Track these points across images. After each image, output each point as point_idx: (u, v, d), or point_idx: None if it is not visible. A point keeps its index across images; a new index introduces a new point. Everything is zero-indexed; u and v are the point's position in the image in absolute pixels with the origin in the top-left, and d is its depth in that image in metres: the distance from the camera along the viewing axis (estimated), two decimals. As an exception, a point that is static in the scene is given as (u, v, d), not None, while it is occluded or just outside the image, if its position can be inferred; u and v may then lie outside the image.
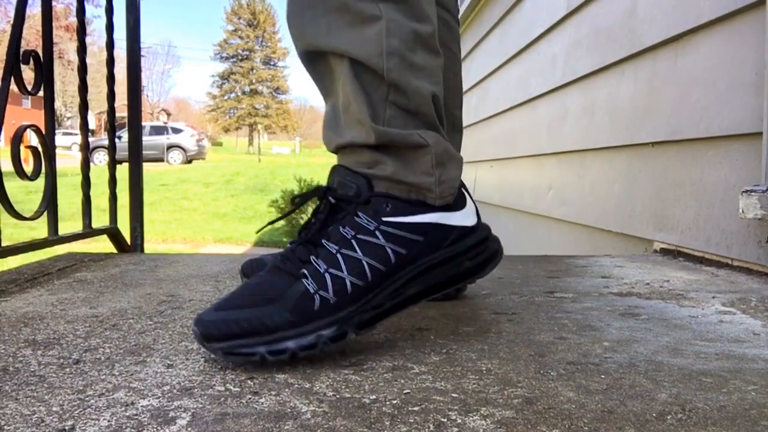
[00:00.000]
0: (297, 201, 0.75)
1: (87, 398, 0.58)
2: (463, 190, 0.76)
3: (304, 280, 0.67)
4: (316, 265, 0.68)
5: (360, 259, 0.68)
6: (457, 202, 0.74)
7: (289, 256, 0.70)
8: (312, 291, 0.66)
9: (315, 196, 0.73)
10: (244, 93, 41.40)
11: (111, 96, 1.67)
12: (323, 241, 0.70)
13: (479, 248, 0.75)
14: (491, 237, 0.77)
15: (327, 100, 0.78)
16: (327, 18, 0.70)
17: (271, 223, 0.83)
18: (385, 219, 0.70)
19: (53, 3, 1.41)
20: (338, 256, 0.68)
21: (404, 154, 0.71)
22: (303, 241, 0.71)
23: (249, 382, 0.62)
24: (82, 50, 1.56)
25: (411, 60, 0.70)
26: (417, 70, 0.70)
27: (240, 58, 41.87)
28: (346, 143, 0.74)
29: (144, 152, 1.80)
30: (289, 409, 0.56)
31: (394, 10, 0.69)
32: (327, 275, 0.67)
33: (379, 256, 0.68)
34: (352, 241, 0.69)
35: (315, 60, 0.75)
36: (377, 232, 0.69)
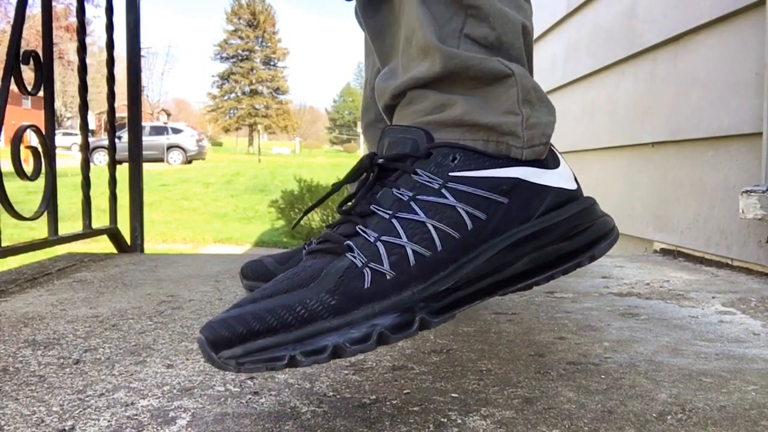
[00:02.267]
0: (336, 184, 0.58)
1: (87, 398, 0.58)
2: (555, 150, 0.60)
3: (348, 254, 0.51)
4: (365, 234, 0.52)
5: (424, 222, 0.52)
6: (549, 160, 0.58)
7: (328, 235, 0.54)
8: (360, 265, 0.50)
9: (361, 169, 0.57)
10: (244, 93, 41.40)
11: (111, 96, 1.67)
12: (373, 206, 0.53)
13: (586, 218, 0.57)
14: (598, 207, 0.60)
15: (385, 62, 0.64)
16: None
17: (304, 214, 0.69)
18: (453, 173, 0.53)
19: (53, 3, 1.41)
20: (393, 221, 0.52)
21: (480, 87, 0.56)
22: (343, 213, 0.55)
23: (249, 382, 0.62)
24: (82, 50, 1.56)
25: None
26: (508, 1, 0.57)
27: (240, 58, 41.87)
28: (403, 84, 0.58)
29: (144, 152, 1.80)
30: (289, 409, 0.56)
31: None
32: (380, 244, 0.51)
33: (451, 220, 0.52)
34: (411, 203, 0.52)
35: (377, 4, 0.62)
36: (444, 191, 0.53)
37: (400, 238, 0.51)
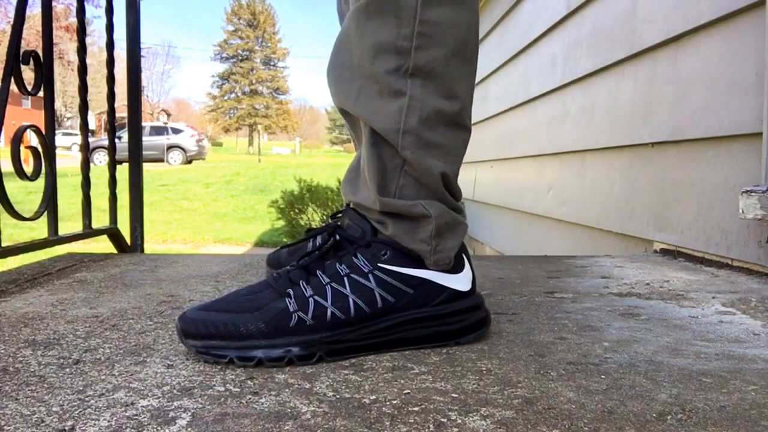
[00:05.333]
0: (310, 233, 0.85)
1: (87, 398, 0.58)
2: (464, 256, 0.77)
3: (287, 299, 0.70)
4: (303, 288, 0.71)
5: (347, 296, 0.71)
6: (454, 266, 0.75)
7: (282, 275, 0.73)
8: (291, 310, 0.69)
9: (326, 231, 0.78)
10: (244, 93, 41.41)
11: (111, 96, 1.67)
12: (318, 271, 0.73)
13: (467, 314, 0.76)
14: (482, 307, 0.78)
15: (357, 149, 0.82)
16: (359, 83, 0.73)
17: (282, 247, 0.89)
18: (380, 265, 0.72)
19: (53, 3, 1.41)
20: (327, 288, 0.71)
21: (406, 221, 0.74)
22: (300, 266, 0.74)
23: (249, 382, 0.62)
24: (82, 51, 1.56)
25: (427, 139, 0.72)
26: (432, 148, 0.72)
27: (240, 58, 41.87)
28: (357, 202, 0.78)
29: (144, 152, 1.80)
30: (289, 409, 0.56)
31: (420, 87, 0.71)
32: (311, 300, 0.70)
33: (367, 298, 0.71)
34: (345, 278, 0.72)
35: (347, 115, 0.79)
36: (370, 276, 0.72)
37: (326, 301, 0.70)
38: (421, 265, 0.74)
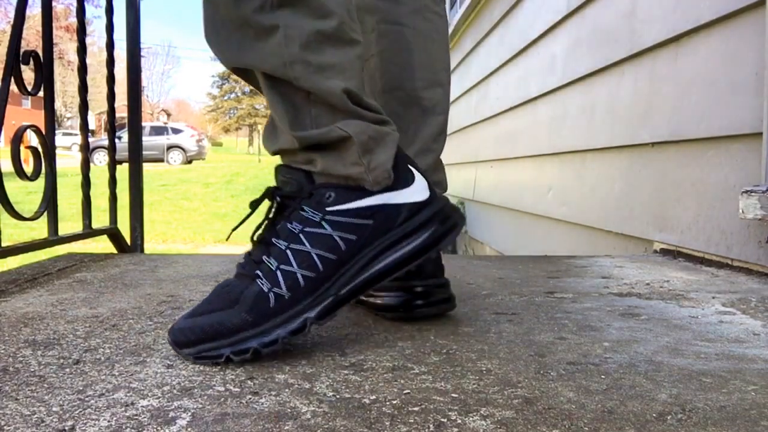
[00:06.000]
0: (253, 204, 0.76)
1: (87, 398, 0.58)
2: (410, 166, 0.75)
3: (258, 281, 0.69)
4: (268, 264, 0.70)
5: (309, 252, 0.69)
6: (403, 180, 0.73)
7: (246, 260, 0.72)
8: (266, 290, 0.68)
9: (266, 198, 0.75)
10: (244, 93, 41.38)
11: (111, 96, 1.67)
12: (273, 239, 0.71)
13: (435, 221, 0.74)
14: (448, 207, 0.76)
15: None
16: (236, 36, 0.71)
17: (234, 228, 0.83)
18: (328, 209, 0.71)
19: (53, 3, 1.41)
20: (287, 252, 0.70)
21: (330, 150, 0.72)
22: (256, 242, 0.73)
23: (249, 382, 0.62)
24: (82, 51, 1.56)
25: (317, 61, 0.70)
26: (325, 70, 0.70)
27: (240, 58, 41.74)
28: (277, 149, 0.77)
29: (144, 152, 1.80)
30: (289, 409, 0.56)
31: (290, 14, 0.69)
32: (278, 272, 0.69)
33: (328, 246, 0.69)
34: (300, 234, 0.70)
35: (242, 73, 0.76)
36: (323, 222, 0.70)
37: (293, 266, 0.69)
38: (369, 193, 0.72)
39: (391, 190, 0.72)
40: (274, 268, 0.69)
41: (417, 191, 0.74)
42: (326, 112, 0.72)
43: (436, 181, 0.90)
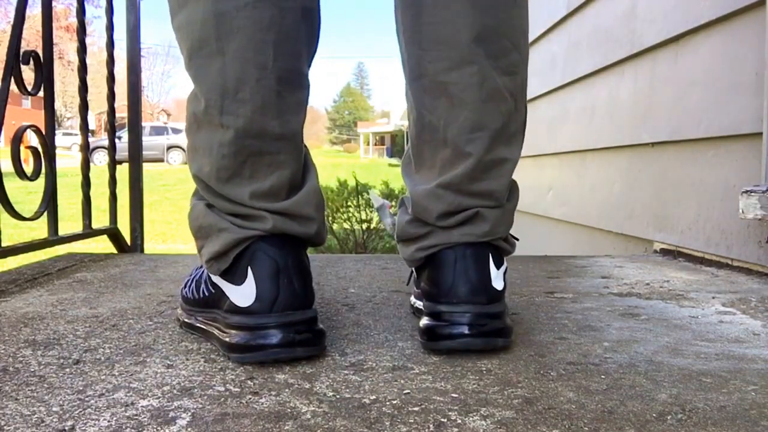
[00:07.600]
0: None
1: (87, 398, 0.58)
2: (249, 269, 0.69)
3: None
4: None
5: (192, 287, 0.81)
6: (237, 276, 0.70)
7: None
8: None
9: None
10: (244, 93, 41.25)
11: (111, 96, 1.67)
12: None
13: (240, 331, 0.68)
14: (263, 331, 0.67)
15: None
16: None
17: None
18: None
19: (53, 3, 1.41)
20: (189, 281, 0.83)
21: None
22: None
23: (249, 382, 0.62)
24: (82, 51, 1.56)
25: (191, 144, 0.75)
26: (192, 152, 0.75)
27: (240, 58, 41.72)
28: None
29: (144, 152, 1.80)
30: (289, 409, 0.56)
31: (192, 99, 0.73)
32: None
33: (200, 290, 0.78)
34: (194, 276, 0.83)
35: None
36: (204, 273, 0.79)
37: (186, 288, 0.83)
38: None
39: (228, 280, 0.72)
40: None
41: (241, 294, 0.69)
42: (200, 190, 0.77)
43: (477, 192, 0.79)
